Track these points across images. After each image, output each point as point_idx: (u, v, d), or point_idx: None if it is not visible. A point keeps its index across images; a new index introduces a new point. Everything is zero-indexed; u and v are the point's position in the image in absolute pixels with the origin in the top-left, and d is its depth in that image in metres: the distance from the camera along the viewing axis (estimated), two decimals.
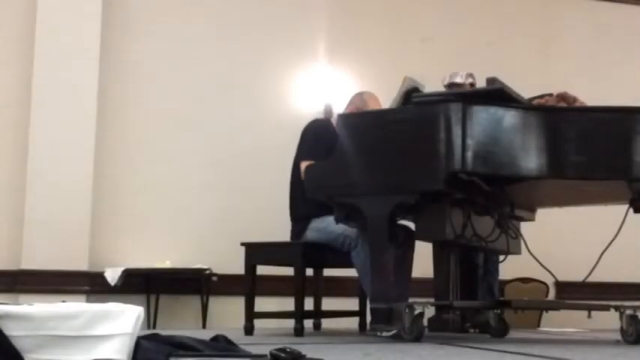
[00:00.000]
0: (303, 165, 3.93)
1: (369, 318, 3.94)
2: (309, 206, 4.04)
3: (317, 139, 4.14)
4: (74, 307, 2.05)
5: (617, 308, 3.24)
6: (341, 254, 4.03)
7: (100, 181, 5.31)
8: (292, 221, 4.26)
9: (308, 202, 3.97)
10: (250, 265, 4.06)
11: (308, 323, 4.18)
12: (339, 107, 4.57)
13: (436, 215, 3.42)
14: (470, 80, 4.51)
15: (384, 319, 3.37)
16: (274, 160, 5.29)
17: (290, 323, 3.92)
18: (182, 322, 5.31)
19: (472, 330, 4.25)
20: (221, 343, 2.48)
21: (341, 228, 3.88)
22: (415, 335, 3.23)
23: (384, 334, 3.59)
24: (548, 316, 4.99)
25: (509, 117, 3.30)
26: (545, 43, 6.51)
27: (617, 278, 5.82)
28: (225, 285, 5.23)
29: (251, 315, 4.04)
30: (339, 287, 4.75)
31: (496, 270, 4.44)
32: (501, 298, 4.87)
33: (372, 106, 4.22)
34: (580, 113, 3.48)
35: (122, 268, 5.11)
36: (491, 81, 3.39)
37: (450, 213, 3.43)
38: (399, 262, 3.90)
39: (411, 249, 4.07)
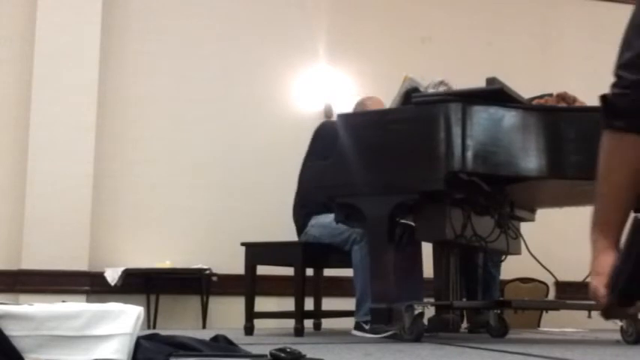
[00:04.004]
0: None
1: (357, 317, 3.96)
2: (313, 204, 4.07)
3: (329, 140, 4.15)
4: (74, 307, 2.05)
5: None
6: (341, 254, 4.03)
7: (100, 181, 5.31)
8: (295, 216, 4.27)
9: (312, 201, 4.01)
10: (250, 265, 4.06)
11: (308, 323, 4.18)
12: (339, 107, 4.57)
13: (436, 215, 3.42)
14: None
15: (384, 320, 3.37)
16: (274, 160, 5.30)
17: (290, 323, 3.92)
18: (182, 322, 5.32)
19: (472, 330, 4.25)
20: (221, 343, 2.48)
21: None
22: (415, 335, 3.23)
23: (374, 335, 3.60)
24: (548, 316, 4.99)
25: (509, 117, 3.30)
26: (545, 43, 6.51)
27: None
28: (225, 285, 5.24)
29: (251, 315, 4.04)
30: (339, 287, 4.75)
31: (497, 270, 4.43)
32: (501, 298, 4.86)
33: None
34: (580, 113, 3.48)
35: (122, 268, 5.11)
36: (491, 81, 3.38)
37: (450, 213, 3.43)
38: (408, 264, 3.91)
39: (417, 247, 4.06)
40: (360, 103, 4.43)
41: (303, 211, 4.19)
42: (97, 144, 5.32)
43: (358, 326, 3.89)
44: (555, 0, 6.61)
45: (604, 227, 1.19)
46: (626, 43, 1.20)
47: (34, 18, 5.31)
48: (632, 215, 1.15)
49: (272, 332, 4.06)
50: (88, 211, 5.23)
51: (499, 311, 3.79)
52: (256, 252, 4.07)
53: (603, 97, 1.16)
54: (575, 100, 3.94)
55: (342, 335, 3.92)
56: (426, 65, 5.29)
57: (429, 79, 3.94)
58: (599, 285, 1.14)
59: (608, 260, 1.14)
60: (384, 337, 3.52)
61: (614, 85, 1.16)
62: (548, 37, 6.54)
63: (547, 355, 2.66)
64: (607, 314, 1.13)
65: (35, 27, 5.30)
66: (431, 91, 4.19)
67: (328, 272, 4.62)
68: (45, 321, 1.94)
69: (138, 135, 5.50)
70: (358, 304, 3.92)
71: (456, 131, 3.22)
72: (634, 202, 1.18)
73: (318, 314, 4.54)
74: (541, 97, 3.97)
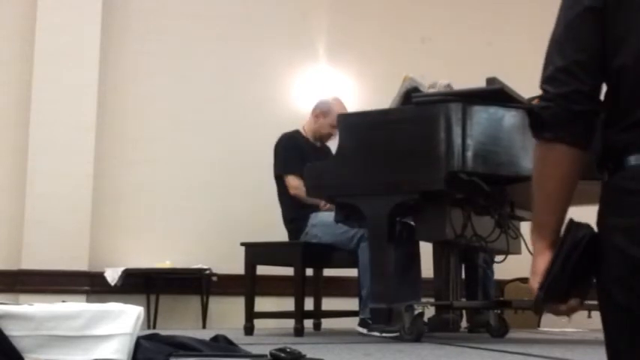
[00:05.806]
0: (289, 179, 4.32)
1: (362, 315, 3.97)
2: (300, 209, 4.16)
3: (287, 151, 4.43)
4: (74, 307, 2.05)
5: None
6: (341, 253, 4.03)
7: (100, 181, 5.31)
8: (287, 223, 4.32)
9: (298, 207, 4.14)
10: (250, 265, 4.06)
11: (308, 323, 4.18)
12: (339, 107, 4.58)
13: (436, 215, 3.42)
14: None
15: (384, 319, 3.37)
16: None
17: (290, 323, 3.92)
18: (182, 322, 5.31)
19: (472, 330, 4.25)
20: (221, 343, 2.49)
21: None
22: (415, 335, 3.23)
23: (376, 334, 3.61)
24: (548, 316, 4.97)
25: (509, 117, 3.30)
26: (545, 43, 6.49)
27: None
28: (225, 285, 5.23)
29: (251, 315, 4.04)
30: (339, 287, 4.75)
31: (490, 270, 4.43)
32: (501, 298, 4.86)
33: (336, 111, 4.30)
34: None
35: (122, 268, 5.11)
36: (491, 81, 3.39)
37: (450, 213, 3.43)
38: (406, 262, 3.91)
39: (415, 246, 4.06)
40: (325, 102, 4.57)
41: (295, 215, 4.24)
42: (97, 144, 5.31)
43: (363, 322, 3.89)
44: (555, 0, 6.60)
45: (541, 230, 1.30)
46: (548, 58, 1.34)
47: (34, 18, 5.30)
48: (568, 218, 1.25)
49: (272, 332, 4.06)
50: (88, 211, 5.23)
51: (499, 311, 3.79)
52: (256, 252, 4.08)
53: (530, 110, 1.24)
54: None
55: (342, 335, 3.93)
56: (426, 65, 5.28)
57: (432, 80, 3.93)
58: (534, 284, 1.26)
59: (544, 261, 1.25)
60: (390, 336, 3.52)
61: (540, 98, 1.28)
62: (548, 37, 6.53)
63: (547, 355, 2.66)
64: (536, 310, 1.26)
65: (35, 27, 5.29)
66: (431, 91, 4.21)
67: (328, 272, 4.62)
68: (45, 321, 1.94)
69: (138, 135, 5.50)
70: (364, 302, 3.91)
71: (456, 131, 3.22)
72: (567, 205, 1.30)
73: (318, 314, 4.54)
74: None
